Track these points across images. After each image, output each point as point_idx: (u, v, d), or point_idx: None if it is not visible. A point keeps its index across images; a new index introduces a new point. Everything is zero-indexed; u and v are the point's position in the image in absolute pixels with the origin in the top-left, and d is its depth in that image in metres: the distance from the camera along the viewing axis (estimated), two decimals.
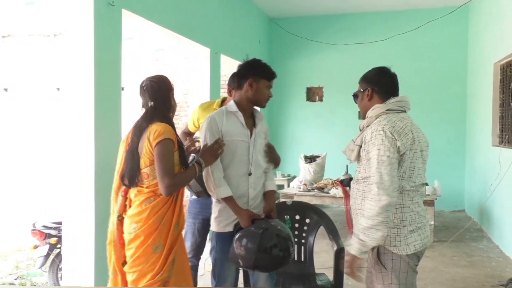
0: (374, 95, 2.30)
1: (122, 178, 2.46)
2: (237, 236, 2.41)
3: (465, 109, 7.88)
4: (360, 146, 2.22)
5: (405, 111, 2.28)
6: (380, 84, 2.30)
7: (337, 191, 5.90)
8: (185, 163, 2.48)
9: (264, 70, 2.65)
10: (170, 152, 2.37)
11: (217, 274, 2.59)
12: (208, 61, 5.90)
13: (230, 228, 2.54)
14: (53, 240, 4.27)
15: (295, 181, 6.69)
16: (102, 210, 3.51)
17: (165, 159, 2.34)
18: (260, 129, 2.67)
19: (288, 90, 8.76)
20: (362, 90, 2.34)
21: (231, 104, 2.61)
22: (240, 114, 2.59)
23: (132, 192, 2.44)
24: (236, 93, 2.66)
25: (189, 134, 3.45)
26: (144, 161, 2.39)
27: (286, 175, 8.19)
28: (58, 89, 7.94)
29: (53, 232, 4.31)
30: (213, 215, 2.58)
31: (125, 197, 2.47)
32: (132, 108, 3.17)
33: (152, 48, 8.51)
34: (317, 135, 8.52)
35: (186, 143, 2.88)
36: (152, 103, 2.48)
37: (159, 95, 2.50)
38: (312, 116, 8.62)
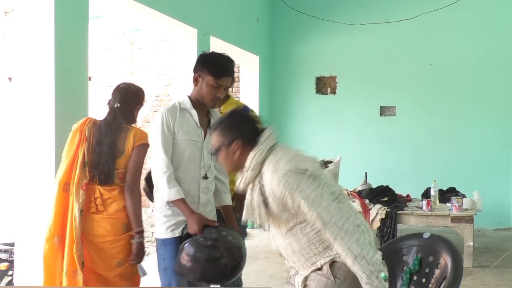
0: (242, 147, 2.33)
1: (92, 172, 2.93)
2: (184, 245, 2.65)
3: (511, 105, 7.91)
4: (262, 203, 2.28)
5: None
6: (247, 132, 2.36)
7: (354, 205, 5.89)
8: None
9: (211, 65, 2.83)
10: (144, 157, 2.97)
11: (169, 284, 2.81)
12: (195, 45, 5.90)
13: (178, 233, 2.83)
14: (3, 266, 4.24)
15: None
16: None
17: (140, 162, 2.95)
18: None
19: (294, 81, 8.77)
20: (227, 145, 2.34)
21: (185, 100, 2.88)
22: (194, 112, 2.85)
23: (110, 190, 2.95)
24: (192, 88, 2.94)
25: None
26: (122, 161, 2.94)
27: None
28: (10, 78, 7.93)
29: (3, 256, 4.29)
30: (159, 221, 2.84)
31: (89, 193, 2.92)
32: (102, 102, 3.24)
33: (126, 28, 8.50)
34: (329, 136, 8.53)
35: None
36: (118, 105, 3.01)
37: (129, 102, 3.05)
38: (323, 112, 8.62)
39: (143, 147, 2.95)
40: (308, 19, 8.48)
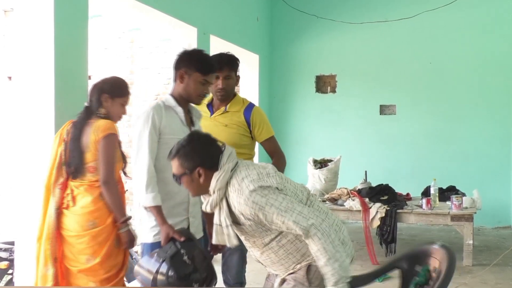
0: (206, 172, 2.33)
1: (68, 168, 2.99)
2: (143, 255, 2.68)
3: (511, 103, 7.91)
4: (231, 224, 2.29)
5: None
6: (208, 157, 2.35)
7: (354, 203, 5.91)
8: (124, 160, 3.10)
9: (199, 61, 2.80)
10: (112, 148, 2.96)
11: None
12: (194, 44, 5.91)
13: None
14: (3, 265, 4.25)
15: None
16: None
17: (109, 154, 2.94)
18: (197, 128, 2.90)
19: (294, 79, 8.78)
20: (189, 172, 2.34)
21: (168, 98, 2.82)
22: (180, 110, 2.81)
23: (78, 186, 2.98)
24: (174, 85, 2.88)
25: None
26: (90, 155, 2.96)
27: None
28: (10, 78, 7.93)
29: (3, 255, 4.29)
30: (148, 224, 2.74)
31: (64, 190, 2.99)
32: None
33: (126, 27, 8.50)
34: (329, 134, 8.54)
35: None
36: (91, 101, 3.08)
37: (99, 97, 3.06)
38: (323, 111, 8.63)
39: (108, 138, 2.94)
40: (308, 18, 8.48)
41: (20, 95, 3.54)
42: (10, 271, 4.25)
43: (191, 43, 5.92)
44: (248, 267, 5.75)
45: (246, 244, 2.44)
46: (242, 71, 8.30)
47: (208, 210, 2.35)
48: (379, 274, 2.72)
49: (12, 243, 4.11)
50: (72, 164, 3.00)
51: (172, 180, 2.60)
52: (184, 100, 2.84)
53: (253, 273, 5.50)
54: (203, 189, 2.36)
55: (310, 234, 2.18)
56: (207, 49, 6.22)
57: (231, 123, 3.39)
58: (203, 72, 2.78)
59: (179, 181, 2.38)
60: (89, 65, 3.88)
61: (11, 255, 4.23)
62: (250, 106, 3.50)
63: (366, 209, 5.82)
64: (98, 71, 8.38)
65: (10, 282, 4.20)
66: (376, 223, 5.79)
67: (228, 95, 3.41)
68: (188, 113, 2.91)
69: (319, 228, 2.18)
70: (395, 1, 8.27)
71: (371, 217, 5.81)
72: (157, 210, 2.65)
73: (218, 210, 2.31)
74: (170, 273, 2.42)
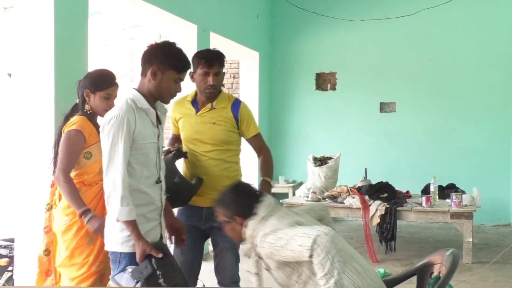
0: (245, 220, 2.48)
1: (53, 167, 2.94)
2: (119, 265, 2.54)
3: (511, 101, 7.91)
4: (257, 273, 2.45)
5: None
6: (246, 208, 2.49)
7: (354, 201, 5.91)
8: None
9: (174, 57, 2.60)
10: (74, 142, 2.83)
11: None
12: (194, 41, 5.90)
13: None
14: (3, 262, 4.25)
15: (302, 189, 6.69)
16: None
17: (66, 150, 2.81)
18: (163, 125, 2.78)
19: (294, 77, 8.77)
20: (229, 220, 2.54)
21: (139, 98, 2.58)
22: (152, 112, 2.62)
23: None
24: (140, 80, 2.65)
25: (176, 138, 3.46)
26: None
27: (290, 181, 8.21)
28: (10, 74, 7.92)
29: (3, 252, 4.29)
30: (125, 233, 2.52)
31: (53, 187, 2.99)
32: (118, 102, 3.22)
33: (126, 24, 8.50)
34: (329, 132, 8.54)
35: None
36: (77, 99, 3.02)
37: (81, 91, 2.99)
38: (323, 108, 8.63)
39: (69, 134, 2.84)
40: (308, 15, 8.47)
41: (20, 92, 3.53)
42: (10, 268, 4.25)
43: (191, 40, 5.91)
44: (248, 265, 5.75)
45: None
46: (242, 68, 8.33)
47: (243, 256, 2.51)
48: (399, 281, 2.73)
49: (12, 240, 4.11)
50: (54, 163, 2.97)
51: (149, 185, 2.61)
52: (154, 98, 2.64)
53: None
54: (244, 239, 2.49)
55: (314, 252, 2.19)
56: (207, 46, 6.21)
57: (219, 119, 3.26)
58: (178, 69, 2.60)
59: (223, 228, 2.56)
60: (89, 62, 3.87)
61: (11, 252, 4.23)
62: (237, 102, 3.38)
63: (366, 206, 5.82)
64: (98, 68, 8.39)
65: (10, 279, 4.20)
66: (376, 220, 5.80)
67: (217, 92, 3.28)
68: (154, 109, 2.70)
69: (319, 243, 2.19)
70: None
71: (371, 214, 5.82)
72: (133, 225, 2.47)
73: (248, 258, 2.47)
74: None
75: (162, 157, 2.86)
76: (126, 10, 5.58)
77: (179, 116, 3.38)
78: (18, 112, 3.54)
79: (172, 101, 2.98)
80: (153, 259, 2.45)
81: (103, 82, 2.98)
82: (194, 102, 3.32)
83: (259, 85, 8.23)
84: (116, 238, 2.56)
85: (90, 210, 2.79)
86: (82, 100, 2.98)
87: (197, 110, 3.29)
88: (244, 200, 2.52)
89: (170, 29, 6.06)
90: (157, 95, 2.62)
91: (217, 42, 6.47)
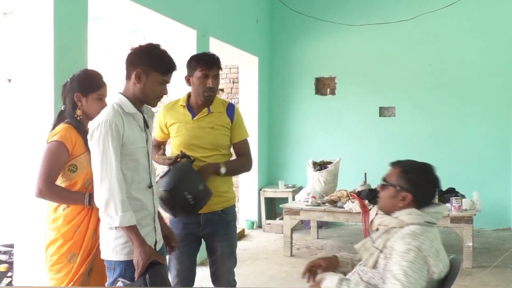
0: (411, 202, 2.40)
1: None
2: (114, 273, 2.50)
3: (511, 105, 7.89)
4: (381, 251, 2.34)
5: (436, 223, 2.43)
6: (423, 194, 2.42)
7: (354, 205, 5.90)
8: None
9: (158, 60, 2.54)
10: (55, 155, 2.69)
11: None
12: (194, 46, 5.91)
13: None
14: (2, 268, 4.24)
15: (302, 193, 6.68)
16: None
17: (46, 161, 2.69)
18: (151, 129, 2.74)
19: (293, 81, 8.77)
20: (399, 189, 2.42)
21: (124, 103, 2.53)
22: (139, 116, 2.59)
23: None
24: (125, 84, 2.60)
25: (159, 145, 3.41)
26: None
27: (290, 185, 8.20)
28: (9, 80, 7.92)
29: (2, 257, 4.28)
30: (120, 240, 2.49)
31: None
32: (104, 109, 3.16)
33: (126, 29, 8.50)
34: (329, 136, 8.54)
35: (158, 155, 3.20)
36: (62, 106, 2.87)
37: (70, 96, 2.84)
38: (322, 113, 8.63)
39: (47, 146, 2.72)
40: (307, 20, 8.49)
41: (19, 98, 3.53)
42: (9, 274, 4.24)
43: (190, 45, 5.92)
44: (247, 269, 5.75)
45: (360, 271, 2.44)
46: (242, 73, 8.33)
47: (376, 224, 2.47)
48: None
49: (12, 246, 4.10)
50: None
51: (140, 191, 2.56)
52: (140, 102, 2.59)
53: (253, 275, 5.50)
54: (393, 211, 2.42)
55: None
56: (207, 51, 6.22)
57: (217, 124, 3.24)
58: (163, 72, 2.54)
59: (384, 187, 2.48)
60: (89, 67, 3.87)
61: (11, 258, 4.22)
62: (231, 105, 3.36)
63: (365, 211, 5.81)
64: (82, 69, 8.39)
65: (10, 285, 4.19)
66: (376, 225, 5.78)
67: (215, 94, 3.27)
68: (141, 112, 2.66)
69: None
70: (394, 3, 8.28)
71: (370, 219, 5.79)
72: (136, 231, 2.43)
73: (385, 235, 2.37)
74: None
75: (166, 163, 2.84)
76: (126, 15, 5.58)
77: (171, 121, 3.32)
78: (17, 117, 3.54)
79: (159, 105, 2.95)
80: (147, 276, 2.39)
81: (93, 83, 2.85)
82: (189, 106, 3.29)
83: (259, 89, 8.23)
84: (111, 246, 2.52)
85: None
86: (72, 106, 2.82)
87: (193, 115, 3.25)
88: (427, 189, 2.43)
89: (170, 34, 6.07)
90: (143, 98, 2.57)
91: (216, 47, 6.47)
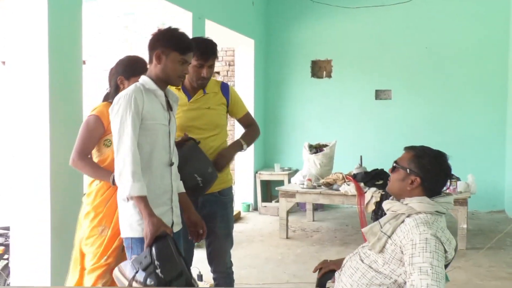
0: (419, 187, 2.38)
1: None
2: (132, 252, 2.53)
3: (507, 90, 7.90)
4: (389, 237, 2.31)
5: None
6: (432, 180, 2.39)
7: (349, 188, 5.93)
8: None
9: (176, 40, 2.63)
10: (90, 128, 2.82)
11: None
12: (190, 28, 5.87)
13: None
14: None
15: (298, 176, 6.70)
16: (60, 212, 3.50)
17: (82, 134, 2.82)
18: (175, 112, 2.79)
19: (289, 64, 8.75)
20: (408, 172, 2.40)
21: (147, 81, 2.63)
22: (161, 93, 2.65)
23: None
24: (149, 67, 2.70)
25: None
26: None
27: (286, 168, 8.22)
28: (4, 62, 7.87)
29: None
30: (134, 217, 2.53)
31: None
32: (96, 86, 3.19)
33: (120, 12, 8.44)
34: (325, 119, 8.53)
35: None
36: (108, 88, 2.99)
37: (114, 79, 2.96)
38: (318, 96, 8.62)
39: (85, 120, 2.86)
40: (303, 2, 8.44)
41: (14, 80, 3.51)
42: (6, 256, 4.25)
43: (186, 28, 5.88)
44: (243, 251, 5.79)
45: (357, 261, 2.43)
46: (237, 55, 8.30)
47: (385, 209, 2.40)
48: None
49: (8, 229, 4.11)
50: None
51: (158, 166, 2.60)
52: (163, 82, 2.66)
53: (249, 257, 5.54)
54: (401, 194, 2.41)
55: None
56: (202, 34, 6.18)
57: (213, 104, 3.27)
58: (182, 51, 2.61)
59: (396, 169, 2.44)
60: (83, 49, 3.85)
61: (7, 240, 4.23)
62: (225, 85, 3.39)
63: (361, 193, 5.84)
64: (92, 55, 8.35)
65: (6, 267, 4.20)
66: (371, 207, 5.82)
67: (207, 82, 3.27)
68: (165, 96, 2.73)
69: None
70: None
71: (366, 201, 5.84)
72: (145, 201, 2.46)
73: (393, 220, 2.33)
74: (149, 281, 2.33)
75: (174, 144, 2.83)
76: None
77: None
78: (12, 99, 3.53)
79: None
80: (153, 249, 2.41)
81: (136, 68, 2.94)
82: (184, 89, 3.28)
83: (255, 72, 8.21)
84: (128, 222, 2.56)
85: None
86: (115, 88, 2.95)
87: (189, 97, 3.25)
88: (438, 175, 2.40)
89: (165, 16, 6.03)
90: (165, 78, 2.64)
91: (212, 29, 6.44)
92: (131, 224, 2.55)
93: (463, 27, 7.99)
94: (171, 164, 2.68)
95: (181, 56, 2.62)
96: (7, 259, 4.20)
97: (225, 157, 3.22)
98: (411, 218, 2.30)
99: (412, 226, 2.25)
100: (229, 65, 8.84)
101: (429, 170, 2.38)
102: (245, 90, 8.10)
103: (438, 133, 8.00)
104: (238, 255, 5.35)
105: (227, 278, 3.35)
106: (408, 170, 2.39)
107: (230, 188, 3.41)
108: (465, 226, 5.66)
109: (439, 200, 2.36)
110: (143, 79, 2.64)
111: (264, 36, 8.70)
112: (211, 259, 3.34)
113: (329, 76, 8.62)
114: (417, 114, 8.16)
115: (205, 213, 3.21)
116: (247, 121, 3.49)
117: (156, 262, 2.38)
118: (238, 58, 8.33)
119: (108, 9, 8.39)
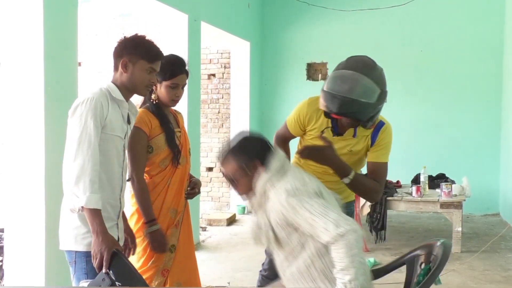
0: (261, 167, 2.30)
1: None
2: (76, 265, 2.36)
3: (501, 91, 7.95)
4: (270, 224, 2.24)
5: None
6: (263, 152, 2.33)
7: None
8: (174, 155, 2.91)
9: (143, 47, 2.49)
10: (136, 142, 2.78)
11: None
12: (185, 30, 5.87)
13: None
14: None
15: None
16: (54, 213, 3.49)
17: (130, 151, 2.73)
18: (132, 126, 2.63)
19: (285, 67, 8.76)
20: (244, 166, 2.30)
21: (113, 89, 2.45)
22: (125, 105, 2.51)
23: None
24: (113, 75, 2.53)
25: (286, 139, 3.42)
26: None
27: None
28: None
29: None
30: (81, 230, 2.35)
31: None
32: (90, 88, 3.11)
33: (115, 13, 8.43)
34: None
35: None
36: None
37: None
38: None
39: (133, 132, 2.70)
40: (299, 5, 8.45)
41: (9, 81, 3.50)
42: (0, 258, 4.24)
43: (182, 30, 5.88)
44: (238, 254, 5.78)
45: (279, 263, 2.36)
46: (233, 57, 8.30)
47: (252, 210, 2.34)
48: (388, 270, 2.67)
49: (2, 230, 4.10)
50: None
51: (109, 180, 2.43)
52: (129, 91, 2.50)
53: (244, 260, 5.53)
54: (252, 189, 2.30)
55: (336, 242, 2.07)
56: (198, 36, 6.19)
57: (356, 150, 3.13)
58: (149, 59, 2.47)
59: (233, 181, 2.33)
60: (79, 51, 3.85)
61: (1, 242, 4.22)
62: (379, 125, 3.19)
63: (356, 196, 5.84)
64: (88, 57, 8.34)
65: (0, 268, 4.19)
66: (366, 210, 5.83)
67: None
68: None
69: (346, 239, 2.07)
70: None
71: (361, 204, 5.84)
72: (100, 216, 2.27)
73: (261, 213, 2.28)
74: None
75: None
76: None
77: (313, 122, 3.25)
78: (7, 101, 3.52)
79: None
80: (110, 270, 2.21)
81: (166, 72, 2.84)
82: (335, 124, 3.07)
83: (250, 75, 8.22)
84: (72, 234, 2.37)
85: (156, 222, 2.80)
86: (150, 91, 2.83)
87: (336, 132, 3.08)
88: (262, 145, 2.36)
89: (161, 18, 6.03)
90: (131, 87, 2.49)
91: (208, 31, 6.45)
92: (76, 236, 2.36)
93: (458, 30, 8.03)
94: (121, 180, 2.52)
95: (149, 65, 2.48)
96: (1, 260, 4.19)
97: (331, 154, 2.92)
98: (266, 195, 2.25)
99: (274, 202, 2.21)
100: (225, 67, 8.83)
101: (254, 146, 2.34)
102: (240, 92, 8.10)
103: (433, 135, 8.03)
104: (233, 258, 5.35)
105: None
106: (243, 164, 2.30)
107: (352, 202, 3.37)
108: (460, 229, 5.67)
109: (272, 162, 2.28)
110: (110, 86, 2.46)
111: (260, 38, 8.71)
112: None
113: (324, 78, 8.62)
114: (412, 116, 8.18)
115: None
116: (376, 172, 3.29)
117: (117, 283, 2.19)
118: (233, 61, 8.33)
119: (104, 10, 8.38)
